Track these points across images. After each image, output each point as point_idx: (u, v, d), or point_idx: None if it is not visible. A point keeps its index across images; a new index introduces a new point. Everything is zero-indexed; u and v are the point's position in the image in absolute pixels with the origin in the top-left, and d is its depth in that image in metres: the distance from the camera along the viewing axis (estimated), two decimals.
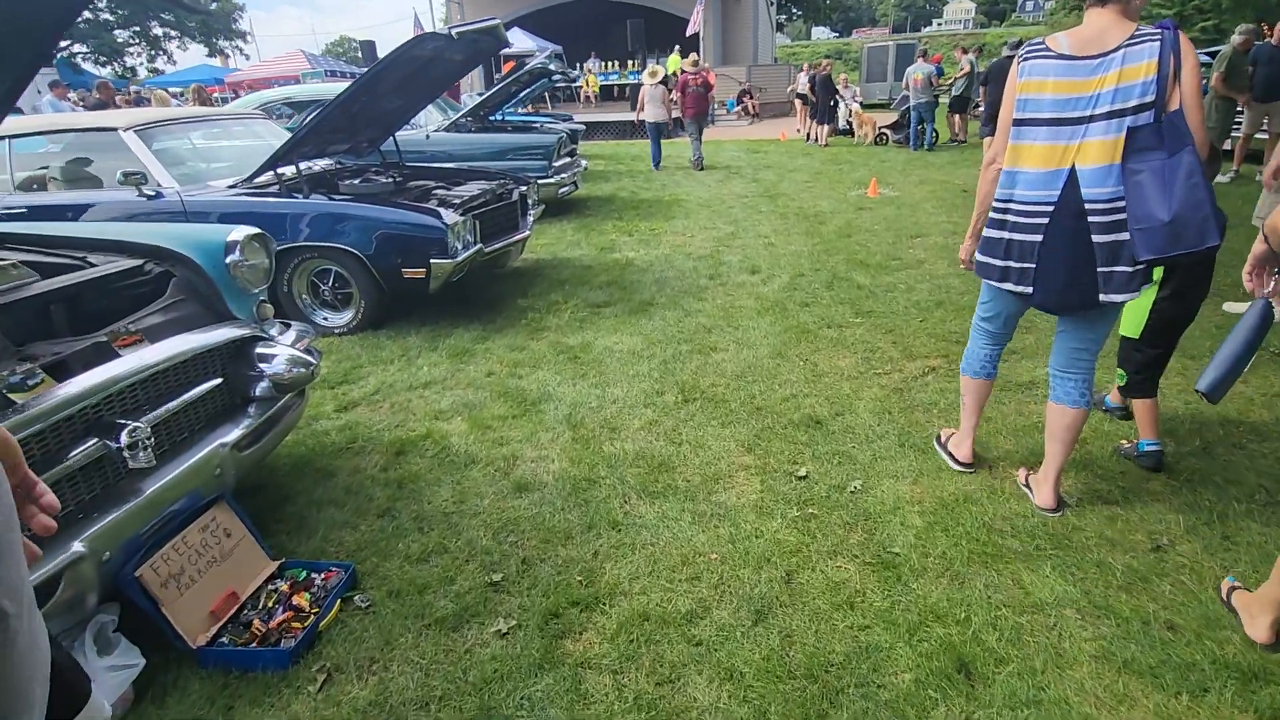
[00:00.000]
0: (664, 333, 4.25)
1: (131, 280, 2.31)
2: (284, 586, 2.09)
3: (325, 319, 4.48)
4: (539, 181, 7.02)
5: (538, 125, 9.80)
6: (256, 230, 2.56)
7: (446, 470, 2.81)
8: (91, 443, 1.78)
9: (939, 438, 2.84)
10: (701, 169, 11.08)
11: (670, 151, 12.76)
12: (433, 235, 4.10)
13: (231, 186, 4.46)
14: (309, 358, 2.42)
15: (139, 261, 2.35)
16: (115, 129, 4.42)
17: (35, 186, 4.58)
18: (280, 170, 4.49)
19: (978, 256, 2.32)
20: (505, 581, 2.16)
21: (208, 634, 1.91)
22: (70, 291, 2.10)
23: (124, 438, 1.81)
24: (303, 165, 4.99)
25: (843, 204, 8.07)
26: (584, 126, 11.32)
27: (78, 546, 1.67)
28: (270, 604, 2.04)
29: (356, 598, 2.09)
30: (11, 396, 1.66)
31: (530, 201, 5.44)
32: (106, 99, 10.05)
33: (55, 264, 2.37)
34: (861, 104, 15.45)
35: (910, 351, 3.83)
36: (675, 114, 12.14)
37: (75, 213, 4.37)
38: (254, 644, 1.90)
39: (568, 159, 8.40)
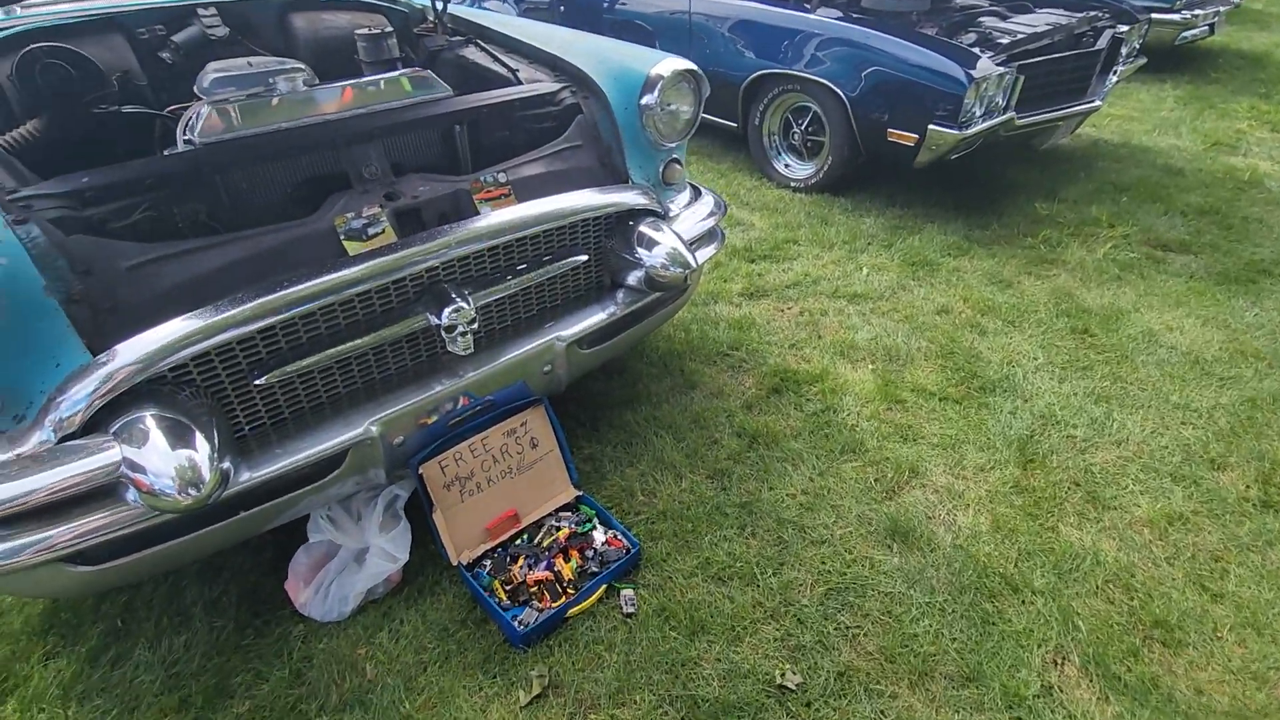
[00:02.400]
0: (1274, 339, 2.44)
1: (539, 110, 1.94)
2: (564, 531, 1.74)
3: (787, 166, 3.80)
4: (1157, 18, 4.70)
5: None
6: (687, 65, 1.91)
7: (816, 446, 2.05)
8: (413, 318, 1.54)
9: None
10: None
11: None
12: (941, 90, 2.90)
13: None
14: (690, 259, 1.81)
15: (556, 88, 1.95)
16: None
17: None
18: None
19: None
20: (798, 695, 1.44)
21: (474, 552, 1.69)
22: (473, 115, 1.82)
23: (445, 316, 1.53)
24: None
25: None
26: None
27: (370, 428, 1.50)
28: (545, 543, 1.73)
29: (624, 594, 1.63)
30: (346, 245, 1.46)
31: (1124, 53, 3.56)
32: None
33: (487, 72, 2.14)
34: None
35: None
36: None
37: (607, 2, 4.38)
38: (508, 588, 1.62)
39: None
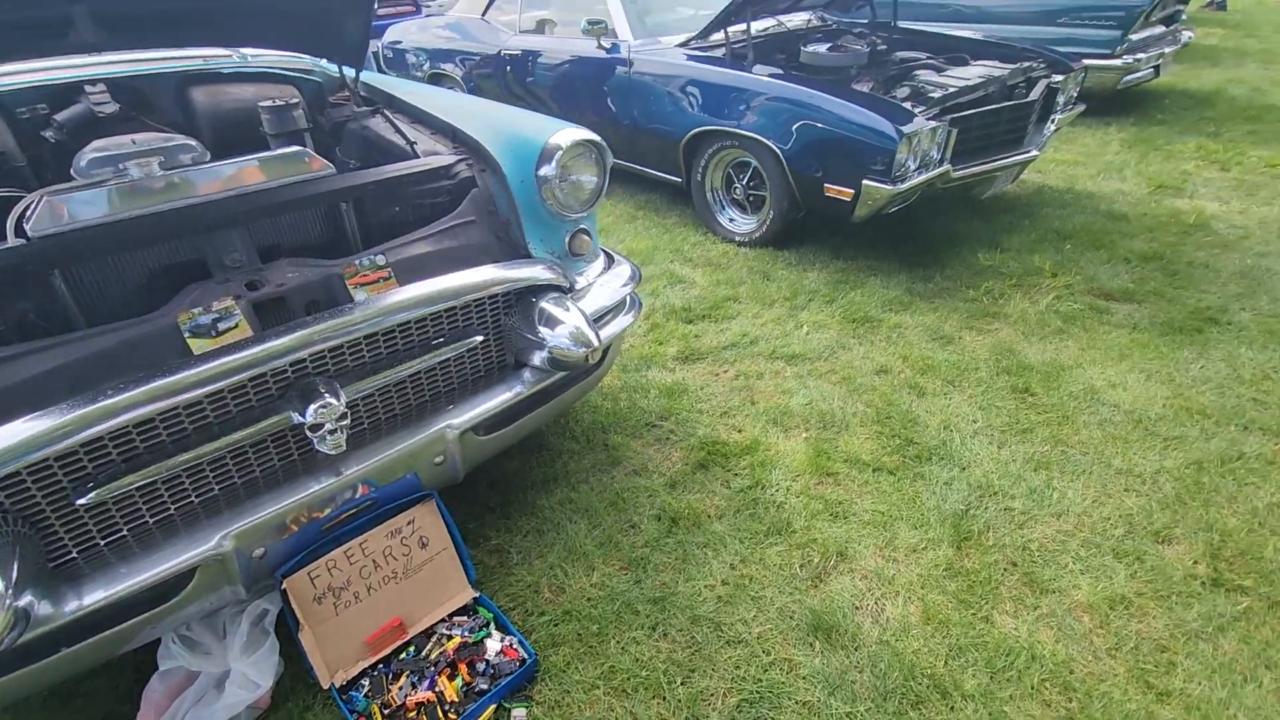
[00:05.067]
0: (1220, 393, 2.35)
1: (433, 184, 1.85)
2: (455, 641, 1.59)
3: (731, 220, 3.75)
4: (1092, 65, 4.78)
5: None
6: (587, 135, 1.83)
7: (740, 529, 1.92)
8: (274, 418, 1.42)
9: None
10: None
11: None
12: (874, 145, 2.87)
13: (683, 43, 3.85)
14: (592, 337, 1.70)
15: (450, 161, 1.87)
16: None
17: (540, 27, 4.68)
18: (738, 28, 3.66)
19: None
20: None
21: (351, 670, 1.53)
22: (358, 193, 1.73)
23: (310, 413, 1.40)
24: (770, 22, 4.12)
25: None
26: None
27: (223, 542, 1.36)
28: (433, 655, 1.57)
29: (514, 714, 1.47)
30: (191, 343, 1.34)
31: (1061, 102, 3.57)
32: None
33: (388, 144, 2.06)
34: None
35: None
36: None
37: (551, 63, 4.38)
38: (386, 711, 1.46)
39: (1159, 29, 5.58)
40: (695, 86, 3.54)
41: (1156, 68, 5.55)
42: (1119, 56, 5.19)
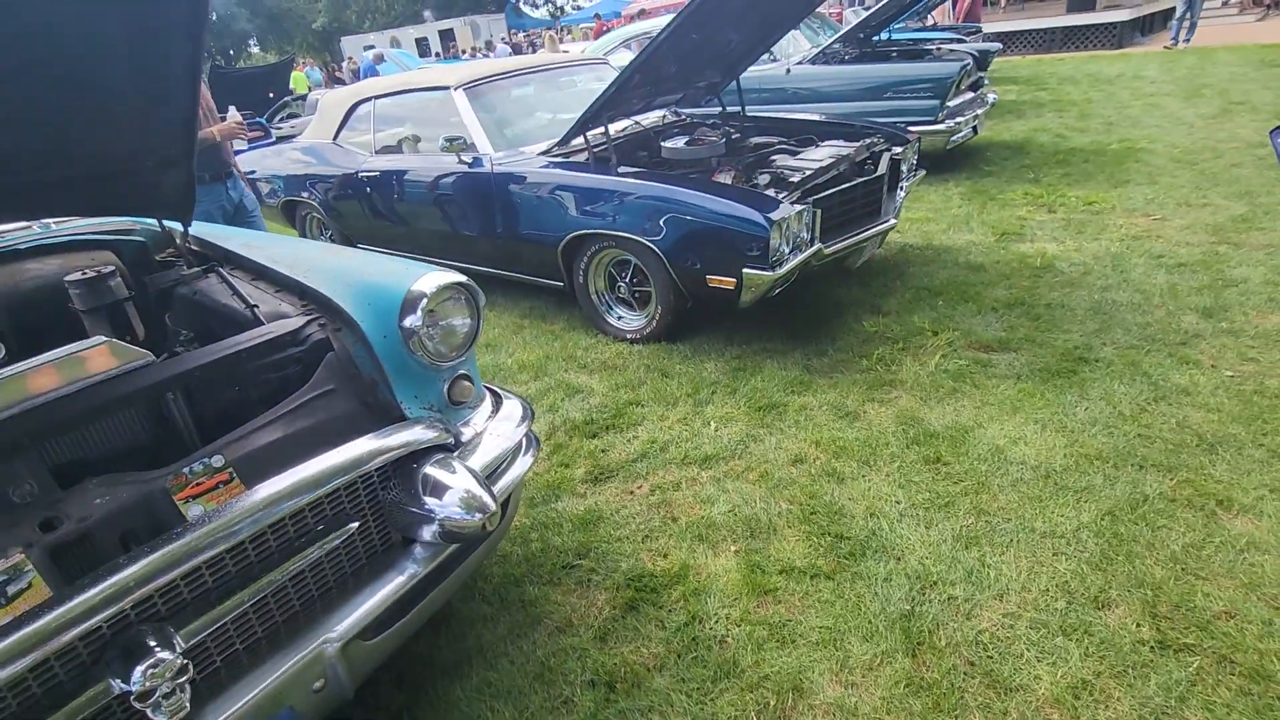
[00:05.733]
0: (1110, 434, 2.45)
1: (279, 354, 1.62)
2: None
3: (620, 319, 3.69)
4: (924, 130, 5.23)
5: (933, 46, 7.61)
6: (453, 278, 1.68)
7: (684, 680, 1.72)
8: (87, 693, 1.11)
9: None
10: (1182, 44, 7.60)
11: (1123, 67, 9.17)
12: (749, 235, 2.90)
13: (545, 151, 3.85)
14: (487, 500, 1.50)
15: (297, 325, 1.66)
16: (447, 88, 4.12)
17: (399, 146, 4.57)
18: (597, 131, 3.70)
19: None
20: None
21: None
22: (183, 381, 1.47)
23: (136, 679, 1.10)
24: (626, 123, 4.22)
25: None
26: (998, 45, 8.63)
27: None
28: None
29: None
30: None
31: (905, 170, 3.83)
32: (519, 44, 10.82)
33: (225, 310, 1.82)
34: None
35: None
36: None
37: (413, 181, 4.26)
38: None
39: (969, 95, 6.25)
40: (565, 192, 3.51)
41: (975, 127, 6.18)
42: (941, 121, 5.74)
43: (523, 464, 1.80)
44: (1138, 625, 1.73)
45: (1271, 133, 1.60)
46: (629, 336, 3.59)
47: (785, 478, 2.41)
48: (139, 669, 1.11)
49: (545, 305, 4.16)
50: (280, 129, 8.56)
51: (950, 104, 5.79)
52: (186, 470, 1.30)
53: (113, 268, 1.95)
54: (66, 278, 1.87)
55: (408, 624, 1.56)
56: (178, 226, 2.17)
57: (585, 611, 1.96)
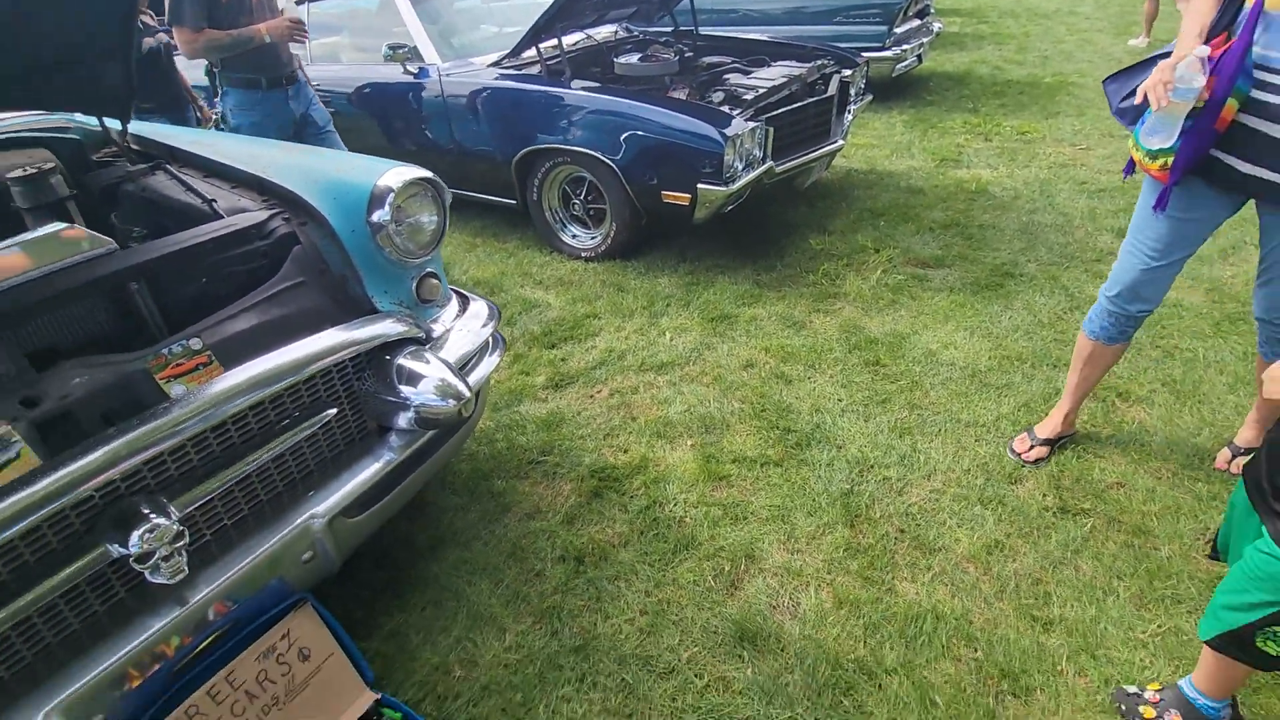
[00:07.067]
0: (1030, 339, 2.68)
1: (245, 247, 1.62)
2: None
3: (574, 237, 3.71)
4: (871, 57, 5.28)
5: None
6: (418, 174, 1.70)
7: (647, 553, 1.88)
8: (85, 557, 1.16)
9: None
10: None
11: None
12: (704, 150, 2.95)
13: (496, 63, 3.75)
14: (461, 387, 1.57)
15: (262, 218, 1.65)
16: None
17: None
18: (550, 44, 3.63)
19: None
20: None
21: None
22: (150, 269, 1.47)
23: (134, 542, 1.16)
24: (578, 36, 4.12)
25: None
26: None
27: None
28: None
29: None
30: None
31: (853, 94, 3.90)
32: None
33: (178, 204, 1.79)
34: None
35: None
36: None
37: (353, 94, 4.09)
38: None
39: (916, 21, 6.31)
40: (519, 106, 3.46)
41: (919, 56, 6.27)
42: (889, 48, 5.80)
43: (490, 362, 1.87)
44: (1044, 495, 1.97)
45: (1105, 82, 1.76)
46: (583, 254, 3.63)
47: (737, 380, 2.56)
48: (136, 533, 1.16)
49: (497, 224, 4.13)
50: None
51: (897, 30, 5.85)
52: (166, 351, 1.32)
53: (52, 164, 1.87)
54: (7, 175, 1.79)
55: (387, 505, 1.64)
56: (115, 124, 2.08)
57: (552, 500, 2.08)
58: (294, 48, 3.20)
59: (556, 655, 1.62)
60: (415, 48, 3.73)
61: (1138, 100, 1.55)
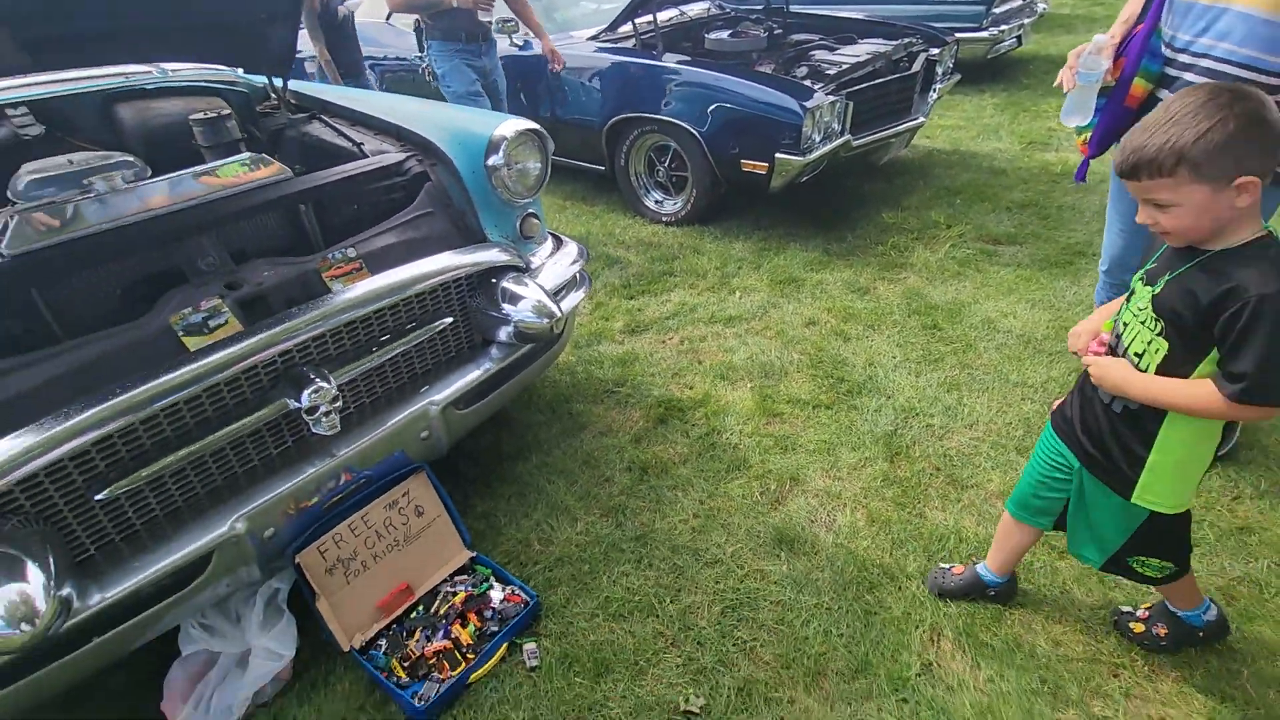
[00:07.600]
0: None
1: (387, 181, 1.96)
2: (460, 596, 1.73)
3: (657, 202, 3.96)
4: (963, 38, 5.24)
5: None
6: (529, 125, 1.99)
7: (703, 470, 2.13)
8: (270, 406, 1.51)
9: None
10: None
11: None
12: (783, 122, 3.13)
13: (594, 37, 4.02)
14: (554, 308, 1.86)
15: (401, 158, 1.99)
16: None
17: None
18: (645, 19, 3.87)
19: None
20: (702, 717, 1.48)
21: (367, 633, 1.65)
22: (316, 194, 1.82)
23: (305, 398, 1.50)
24: (672, 12, 4.34)
25: None
26: None
27: (236, 525, 1.45)
28: (442, 611, 1.70)
29: (525, 648, 1.63)
30: (185, 341, 1.42)
31: (940, 73, 3.96)
32: None
33: (332, 147, 2.15)
34: None
35: None
36: None
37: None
38: (406, 664, 1.58)
39: (1018, 1, 6.15)
40: (613, 77, 3.72)
41: (1019, 37, 6.13)
42: (985, 29, 5.71)
43: (578, 295, 2.16)
44: None
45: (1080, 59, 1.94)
46: (664, 219, 3.88)
47: (798, 335, 2.76)
48: (306, 391, 1.50)
49: (585, 188, 4.42)
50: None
51: (997, 10, 5.75)
52: (330, 256, 1.67)
53: (228, 110, 2.28)
54: (191, 116, 2.19)
55: (488, 404, 1.96)
56: (278, 81, 2.47)
57: (623, 422, 2.37)
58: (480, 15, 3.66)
59: (619, 541, 1.91)
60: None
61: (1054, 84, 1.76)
